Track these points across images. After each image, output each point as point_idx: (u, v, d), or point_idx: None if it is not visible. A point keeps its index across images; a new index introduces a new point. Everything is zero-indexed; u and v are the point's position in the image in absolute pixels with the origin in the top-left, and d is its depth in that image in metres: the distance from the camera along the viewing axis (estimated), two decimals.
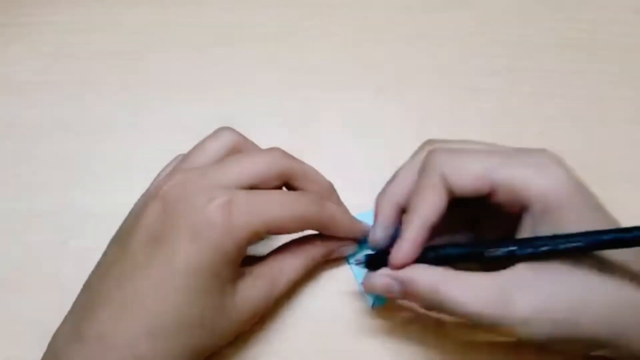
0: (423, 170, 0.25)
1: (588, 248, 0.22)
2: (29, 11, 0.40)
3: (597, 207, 0.24)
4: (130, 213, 0.27)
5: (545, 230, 0.23)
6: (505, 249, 0.23)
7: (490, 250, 0.24)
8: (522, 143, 0.35)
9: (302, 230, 0.27)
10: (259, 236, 0.25)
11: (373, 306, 0.29)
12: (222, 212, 0.23)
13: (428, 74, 0.38)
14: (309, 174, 0.28)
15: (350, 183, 0.33)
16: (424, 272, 0.24)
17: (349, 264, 0.30)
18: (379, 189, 0.29)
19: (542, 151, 0.25)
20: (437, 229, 0.25)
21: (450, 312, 0.23)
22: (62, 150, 0.35)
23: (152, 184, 0.28)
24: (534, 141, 0.35)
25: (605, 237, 0.22)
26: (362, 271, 0.28)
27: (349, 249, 0.29)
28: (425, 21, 0.41)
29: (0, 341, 0.23)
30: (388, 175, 0.29)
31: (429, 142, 0.28)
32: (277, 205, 0.25)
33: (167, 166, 0.29)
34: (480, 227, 0.28)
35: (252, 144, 0.29)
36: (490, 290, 0.22)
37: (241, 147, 0.28)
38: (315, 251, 0.28)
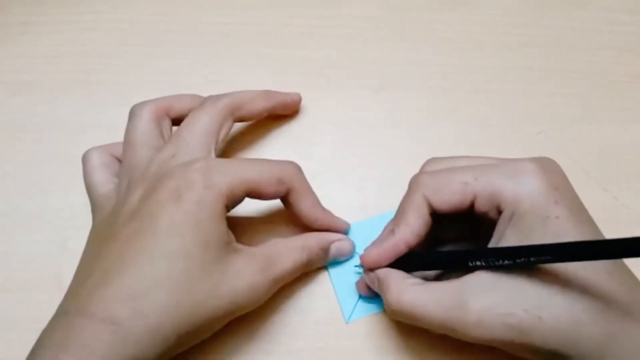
0: (408, 192, 0.26)
1: (554, 260, 0.22)
2: (15, 11, 0.41)
3: (571, 219, 0.23)
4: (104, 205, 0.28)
5: (511, 234, 0.23)
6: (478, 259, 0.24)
7: (470, 258, 0.24)
8: (522, 143, 0.35)
9: (279, 193, 0.27)
10: (238, 196, 0.26)
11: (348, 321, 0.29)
12: (201, 172, 0.25)
13: (428, 73, 0.38)
14: (244, 94, 0.31)
15: (349, 182, 0.34)
16: (395, 276, 0.25)
17: (328, 271, 0.30)
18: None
19: (528, 161, 0.25)
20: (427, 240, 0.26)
21: (410, 316, 0.24)
22: (61, 151, 0.34)
23: (92, 187, 0.29)
24: (533, 141, 0.36)
25: (571, 249, 0.21)
26: (340, 282, 0.30)
27: (345, 244, 0.30)
28: (426, 21, 0.41)
29: (0, 342, 0.23)
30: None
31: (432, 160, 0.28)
32: (252, 165, 0.26)
33: (94, 162, 0.30)
34: (479, 239, 0.28)
35: (170, 99, 0.30)
36: (448, 294, 0.23)
37: (166, 108, 0.29)
38: (311, 241, 0.28)
